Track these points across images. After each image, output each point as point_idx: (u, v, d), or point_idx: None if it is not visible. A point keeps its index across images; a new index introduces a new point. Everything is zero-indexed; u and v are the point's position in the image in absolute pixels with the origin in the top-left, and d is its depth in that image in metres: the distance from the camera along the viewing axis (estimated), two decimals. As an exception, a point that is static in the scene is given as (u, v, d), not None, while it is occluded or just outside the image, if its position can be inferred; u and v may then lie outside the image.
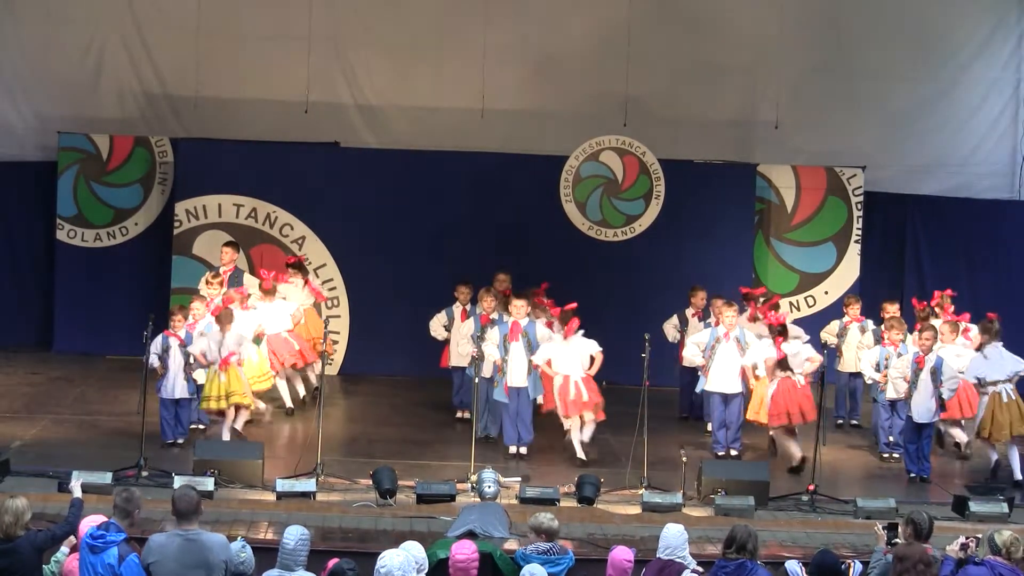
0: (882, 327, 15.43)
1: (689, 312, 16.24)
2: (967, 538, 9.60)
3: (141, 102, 19.08)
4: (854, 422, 16.44)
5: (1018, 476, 14.15)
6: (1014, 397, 14.20)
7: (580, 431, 14.42)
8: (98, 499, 11.18)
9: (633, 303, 17.63)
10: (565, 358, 14.36)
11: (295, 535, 8.96)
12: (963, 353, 14.69)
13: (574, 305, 14.78)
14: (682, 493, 12.83)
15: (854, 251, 19.10)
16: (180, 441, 14.12)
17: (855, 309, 16.23)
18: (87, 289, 18.09)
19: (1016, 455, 14.24)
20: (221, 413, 14.18)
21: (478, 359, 14.16)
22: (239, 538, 9.42)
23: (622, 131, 18.61)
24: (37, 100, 18.96)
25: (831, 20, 19.33)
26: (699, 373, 14.99)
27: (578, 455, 14.25)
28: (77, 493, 9.93)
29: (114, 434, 14.49)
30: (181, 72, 18.84)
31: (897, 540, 9.78)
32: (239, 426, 14.29)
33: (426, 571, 9.32)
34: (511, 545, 10.82)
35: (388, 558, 8.77)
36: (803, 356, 14.33)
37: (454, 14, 19.05)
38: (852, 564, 9.85)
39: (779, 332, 14.36)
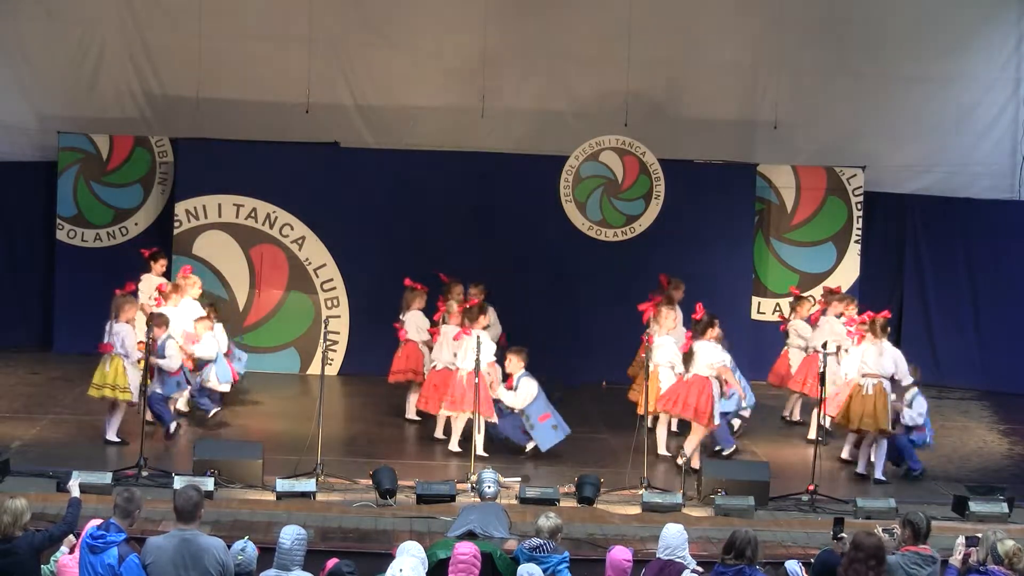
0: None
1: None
2: (968, 548, 9.60)
3: (141, 102, 19.08)
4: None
5: (878, 474, 14.25)
6: (871, 392, 14.17)
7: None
8: (98, 499, 11.20)
9: (633, 303, 17.58)
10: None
11: (291, 535, 8.95)
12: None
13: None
14: (682, 493, 12.84)
15: (854, 251, 19.11)
16: (177, 425, 14.46)
17: (851, 310, 16.24)
18: (87, 289, 18.06)
19: (884, 450, 14.30)
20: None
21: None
22: (246, 538, 9.41)
23: (622, 131, 18.62)
24: (37, 100, 18.95)
25: (831, 20, 19.32)
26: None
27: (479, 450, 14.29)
28: (75, 493, 9.92)
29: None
30: (181, 72, 18.84)
31: (843, 535, 9.82)
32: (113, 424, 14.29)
33: (426, 571, 9.31)
34: (511, 545, 10.81)
35: (399, 562, 8.78)
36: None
37: (454, 14, 19.06)
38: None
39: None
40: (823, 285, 18.29)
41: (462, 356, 14.44)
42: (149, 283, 16.15)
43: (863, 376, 14.21)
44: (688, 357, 14.15)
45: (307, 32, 18.77)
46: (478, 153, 18.52)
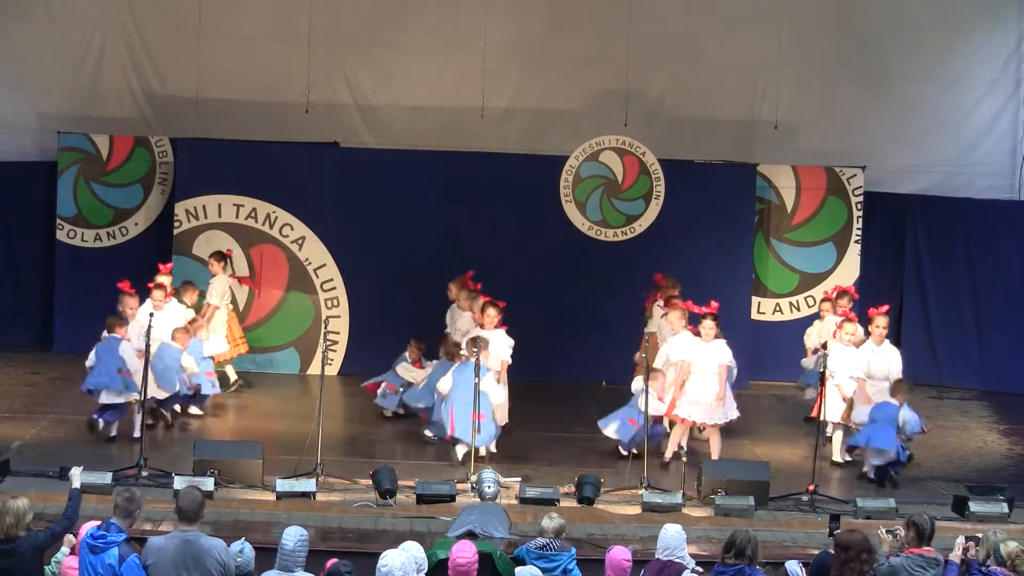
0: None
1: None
2: (967, 541, 9.61)
3: (141, 102, 19.09)
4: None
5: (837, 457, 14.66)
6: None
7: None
8: (98, 499, 11.20)
9: (633, 303, 17.60)
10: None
11: (294, 536, 8.96)
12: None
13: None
14: (682, 493, 12.84)
15: (854, 251, 19.10)
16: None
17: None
18: (87, 289, 18.07)
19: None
20: None
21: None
22: (242, 539, 9.42)
23: (622, 131, 18.62)
24: (37, 100, 18.96)
25: (831, 20, 19.33)
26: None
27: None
28: (76, 484, 9.89)
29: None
30: (181, 72, 18.84)
31: (837, 531, 9.85)
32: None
33: (425, 571, 9.32)
34: (511, 545, 10.82)
35: (389, 558, 8.78)
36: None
37: (454, 14, 19.06)
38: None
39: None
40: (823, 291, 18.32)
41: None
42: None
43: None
44: None
45: (307, 32, 18.78)
46: (478, 153, 18.52)
